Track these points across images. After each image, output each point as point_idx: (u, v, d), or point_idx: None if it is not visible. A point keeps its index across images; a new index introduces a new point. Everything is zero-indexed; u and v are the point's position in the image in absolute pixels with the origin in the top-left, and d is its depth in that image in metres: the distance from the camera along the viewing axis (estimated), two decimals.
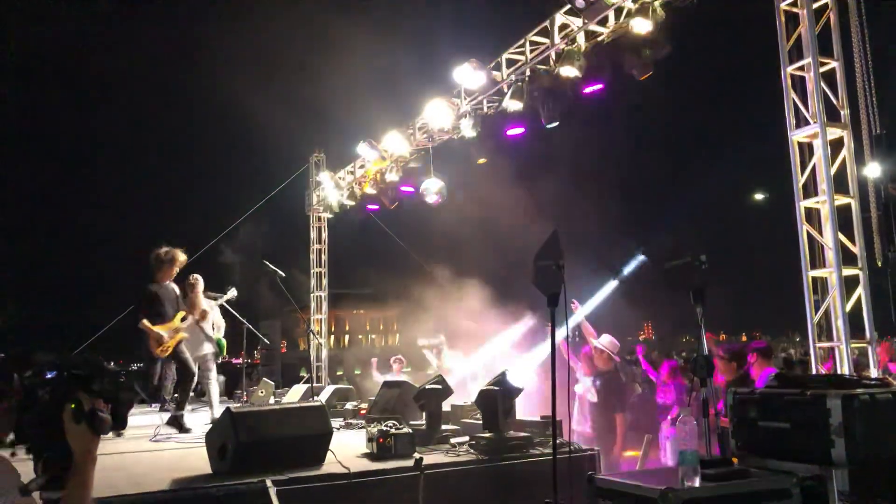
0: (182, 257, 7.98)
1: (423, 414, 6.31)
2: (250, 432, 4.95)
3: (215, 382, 8.65)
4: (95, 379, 1.89)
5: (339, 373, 14.50)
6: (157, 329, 7.57)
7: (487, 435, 5.62)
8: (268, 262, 8.96)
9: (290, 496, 4.46)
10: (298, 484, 4.63)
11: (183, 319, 7.77)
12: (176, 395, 8.07)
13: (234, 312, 10.03)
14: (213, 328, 8.78)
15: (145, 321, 7.57)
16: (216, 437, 5.14)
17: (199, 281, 8.65)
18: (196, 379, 8.09)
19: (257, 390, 10.59)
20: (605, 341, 6.90)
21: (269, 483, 4.48)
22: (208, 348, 8.47)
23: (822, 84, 6.09)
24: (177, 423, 7.62)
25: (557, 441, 4.22)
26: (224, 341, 9.20)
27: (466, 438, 5.94)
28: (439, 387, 6.39)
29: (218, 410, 7.73)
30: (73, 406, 1.84)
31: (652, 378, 7.95)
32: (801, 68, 6.22)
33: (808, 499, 3.36)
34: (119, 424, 1.98)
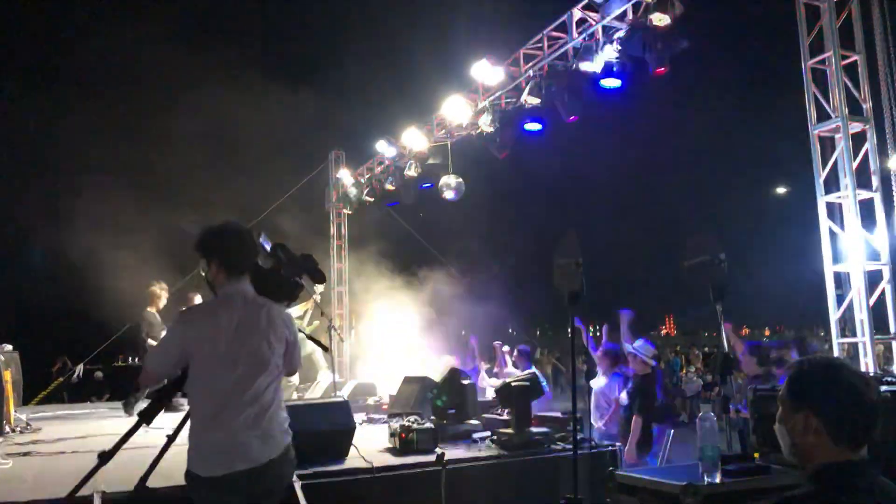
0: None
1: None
2: None
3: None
4: None
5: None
6: None
7: (509, 430, 5.66)
8: None
9: (315, 490, 4.53)
10: (322, 478, 4.71)
11: None
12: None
13: None
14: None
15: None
16: None
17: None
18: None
19: None
20: (639, 345, 6.88)
21: (294, 478, 4.55)
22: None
23: (844, 77, 6.04)
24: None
25: (578, 437, 4.25)
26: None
27: (488, 433, 5.99)
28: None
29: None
30: None
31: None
32: (823, 62, 6.18)
33: None
34: None
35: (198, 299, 10.33)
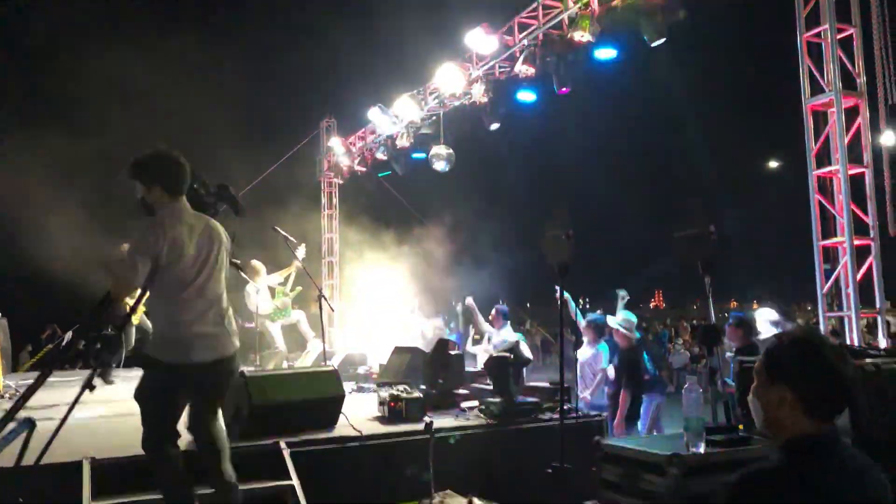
0: None
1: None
2: (264, 396, 5.05)
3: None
4: None
5: None
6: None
7: (497, 400, 5.70)
8: (278, 229, 9.00)
9: (304, 457, 4.57)
10: (311, 446, 4.74)
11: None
12: None
13: (245, 277, 10.21)
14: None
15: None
16: (230, 400, 5.23)
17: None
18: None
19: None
20: (621, 318, 6.91)
21: (282, 445, 4.58)
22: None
23: (839, 51, 6.01)
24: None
25: (565, 407, 4.29)
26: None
27: (476, 403, 6.03)
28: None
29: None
30: None
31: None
32: (818, 35, 6.13)
33: None
34: None
35: None
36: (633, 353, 6.69)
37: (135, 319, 9.39)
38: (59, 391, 8.41)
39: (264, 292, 9.99)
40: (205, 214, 3.91)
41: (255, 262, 10.15)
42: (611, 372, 6.87)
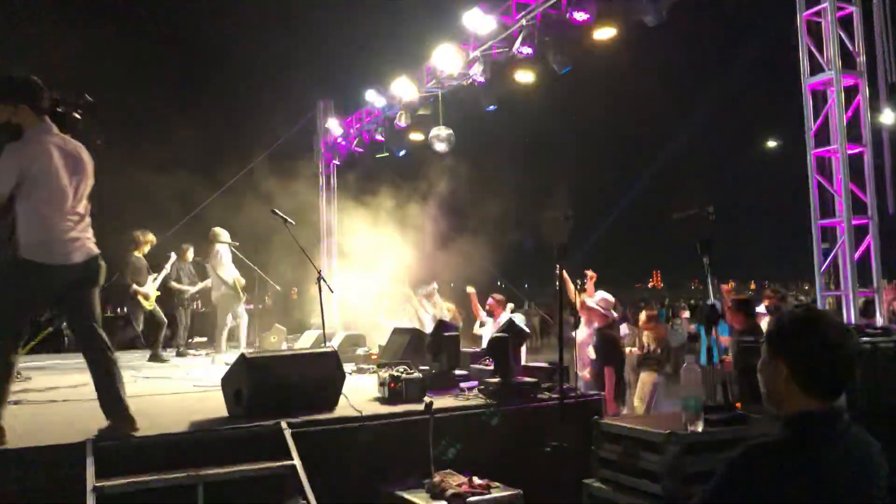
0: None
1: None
2: (265, 377, 5.07)
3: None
4: None
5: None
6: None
7: (496, 380, 5.74)
8: (277, 211, 8.99)
9: (305, 438, 4.60)
10: (312, 426, 4.77)
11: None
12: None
13: (244, 259, 10.24)
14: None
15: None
16: (232, 381, 5.27)
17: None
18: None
19: (269, 336, 10.76)
20: (598, 298, 7.03)
21: (284, 425, 4.61)
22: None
23: (839, 30, 5.97)
24: (157, 358, 9.57)
25: (563, 386, 4.32)
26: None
27: (475, 383, 6.07)
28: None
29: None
30: None
31: None
32: (818, 13, 6.10)
33: None
34: None
35: (191, 253, 10.53)
36: (610, 330, 6.81)
37: (147, 305, 9.51)
38: (59, 375, 8.46)
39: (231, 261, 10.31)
40: (68, 134, 4.16)
41: (217, 228, 10.43)
42: (591, 352, 6.97)
